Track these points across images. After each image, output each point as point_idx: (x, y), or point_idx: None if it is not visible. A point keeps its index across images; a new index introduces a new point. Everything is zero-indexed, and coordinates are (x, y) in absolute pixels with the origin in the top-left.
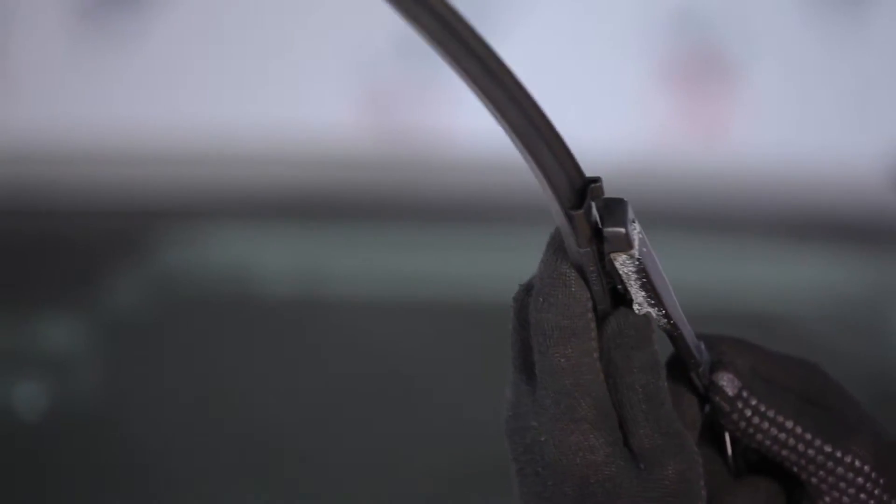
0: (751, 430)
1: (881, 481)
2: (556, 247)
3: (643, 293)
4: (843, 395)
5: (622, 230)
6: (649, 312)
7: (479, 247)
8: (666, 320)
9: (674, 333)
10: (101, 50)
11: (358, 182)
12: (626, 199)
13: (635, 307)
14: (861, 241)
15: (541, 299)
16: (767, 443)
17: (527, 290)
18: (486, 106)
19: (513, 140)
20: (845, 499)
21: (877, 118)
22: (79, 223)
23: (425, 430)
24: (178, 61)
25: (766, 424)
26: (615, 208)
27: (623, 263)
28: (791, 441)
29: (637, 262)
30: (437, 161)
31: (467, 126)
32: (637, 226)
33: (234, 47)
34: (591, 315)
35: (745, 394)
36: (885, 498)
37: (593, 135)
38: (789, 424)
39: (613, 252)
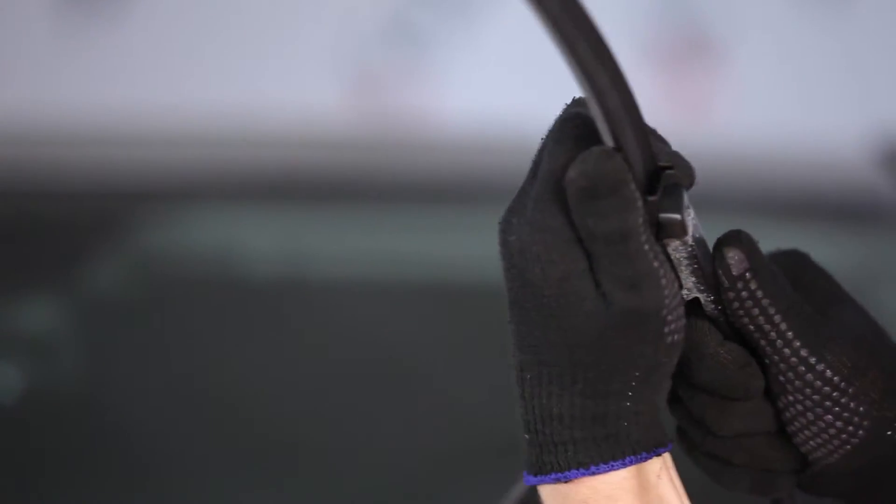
0: (740, 312)
1: (850, 390)
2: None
3: (693, 279)
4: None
5: (678, 217)
6: (697, 298)
7: (464, 228)
8: (714, 306)
9: (721, 319)
10: (83, 30)
11: (342, 163)
12: (682, 186)
13: (684, 292)
14: (845, 221)
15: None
16: (751, 328)
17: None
18: (584, 82)
19: (598, 118)
20: (807, 402)
21: (861, 98)
22: (59, 205)
23: (410, 410)
24: (162, 43)
25: (755, 311)
26: (672, 194)
27: (675, 249)
28: (773, 335)
29: (690, 249)
30: (422, 142)
31: (452, 107)
32: (691, 212)
33: (218, 28)
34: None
35: (748, 275)
36: (851, 405)
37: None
38: (777, 318)
39: (667, 238)
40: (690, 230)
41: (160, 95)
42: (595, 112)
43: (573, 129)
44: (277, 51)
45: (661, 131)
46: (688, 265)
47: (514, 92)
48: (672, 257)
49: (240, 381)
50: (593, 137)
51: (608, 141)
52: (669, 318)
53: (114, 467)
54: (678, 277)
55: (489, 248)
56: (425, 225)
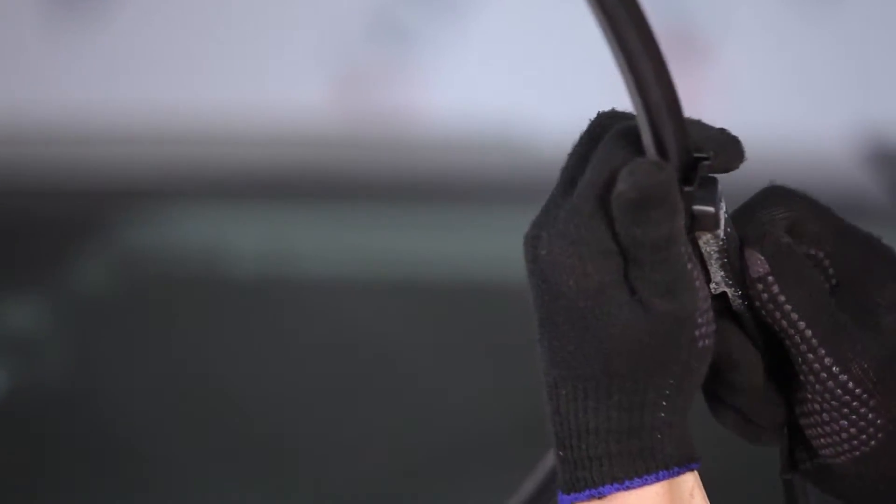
0: (763, 312)
1: (871, 403)
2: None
3: (722, 273)
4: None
5: (712, 209)
6: (726, 292)
7: (450, 226)
8: (741, 301)
9: (747, 315)
10: (69, 30)
11: (328, 161)
12: (717, 178)
13: (712, 286)
14: None
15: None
16: (776, 328)
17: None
18: (628, 74)
19: (640, 111)
20: (825, 405)
21: (850, 95)
22: (45, 203)
23: (396, 408)
24: (147, 42)
25: (778, 315)
26: (706, 187)
27: (706, 242)
28: (797, 339)
29: (721, 242)
30: (407, 141)
31: (438, 106)
32: (724, 205)
33: (204, 27)
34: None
35: (770, 279)
36: (869, 416)
37: (565, 113)
38: (802, 325)
39: (699, 230)
40: (723, 224)
41: (146, 94)
42: (636, 103)
43: (621, 142)
44: (263, 49)
45: None
46: (717, 259)
47: (500, 90)
48: (703, 250)
49: (225, 379)
50: (638, 151)
51: (646, 132)
52: (700, 321)
53: (100, 466)
54: (707, 272)
55: (476, 246)
56: (411, 223)
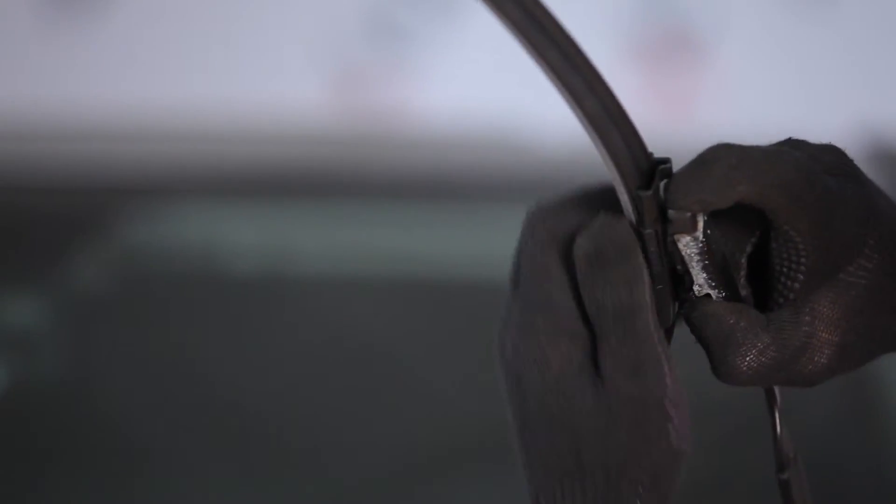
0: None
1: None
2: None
3: (704, 275)
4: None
5: (687, 213)
6: (709, 294)
7: (446, 224)
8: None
9: None
10: (66, 27)
11: (324, 159)
12: None
13: (695, 288)
14: None
15: (549, 206)
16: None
17: (549, 212)
18: (560, 88)
19: (583, 121)
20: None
21: (845, 94)
22: (43, 201)
23: (394, 405)
24: (144, 40)
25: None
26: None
27: (686, 245)
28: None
29: (701, 245)
30: (404, 138)
31: (434, 103)
32: None
33: (201, 25)
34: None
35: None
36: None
37: (562, 111)
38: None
39: (677, 234)
40: (701, 226)
41: (143, 92)
42: (577, 116)
43: (548, 231)
44: (260, 47)
45: (646, 127)
46: (699, 261)
47: (496, 88)
48: (683, 253)
49: (223, 375)
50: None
51: (595, 141)
52: (672, 414)
53: (98, 463)
54: (688, 272)
55: (472, 243)
56: (408, 221)
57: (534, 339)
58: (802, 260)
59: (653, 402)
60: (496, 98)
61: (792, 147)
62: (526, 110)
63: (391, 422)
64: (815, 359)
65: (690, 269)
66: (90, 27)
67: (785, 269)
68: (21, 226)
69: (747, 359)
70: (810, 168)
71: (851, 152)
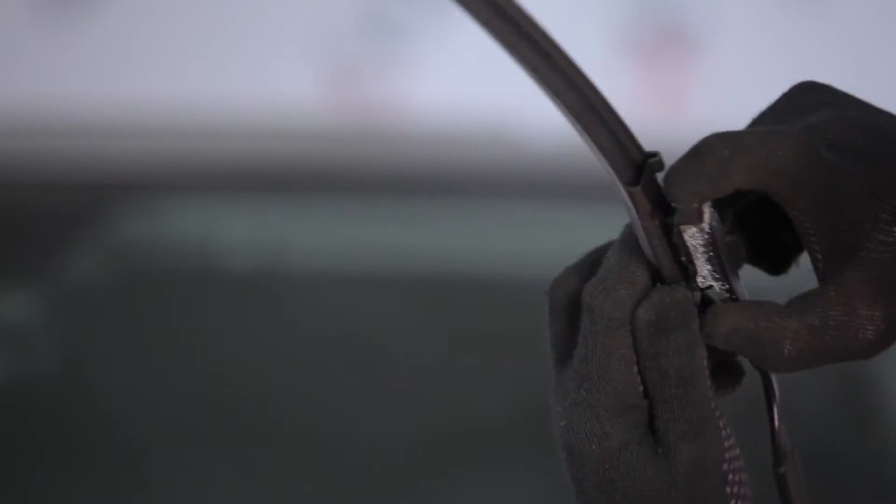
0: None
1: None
2: (630, 241)
3: (709, 267)
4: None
5: (694, 204)
6: (712, 286)
7: (441, 219)
8: (729, 295)
9: None
10: (60, 22)
11: (319, 155)
12: None
13: (699, 279)
14: None
15: (600, 288)
16: None
17: (562, 281)
18: (541, 83)
19: (568, 118)
20: None
21: None
22: (37, 196)
23: (389, 401)
24: (138, 35)
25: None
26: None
27: (692, 236)
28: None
29: (706, 236)
30: (398, 134)
31: (428, 99)
32: None
33: (195, 20)
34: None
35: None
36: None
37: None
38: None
39: (683, 224)
40: (707, 217)
41: (137, 88)
42: (562, 112)
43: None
44: (254, 42)
45: (639, 123)
46: (703, 252)
47: (490, 84)
48: (688, 244)
49: (219, 371)
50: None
51: (584, 137)
52: (731, 476)
53: (93, 459)
54: (692, 264)
55: (466, 239)
56: (403, 217)
57: (593, 411)
58: (814, 240)
59: (710, 464)
60: (491, 93)
61: (799, 107)
62: (520, 105)
63: (388, 418)
64: (861, 335)
65: (695, 261)
66: (85, 23)
67: (808, 250)
68: (16, 221)
69: (784, 350)
70: (810, 147)
71: None
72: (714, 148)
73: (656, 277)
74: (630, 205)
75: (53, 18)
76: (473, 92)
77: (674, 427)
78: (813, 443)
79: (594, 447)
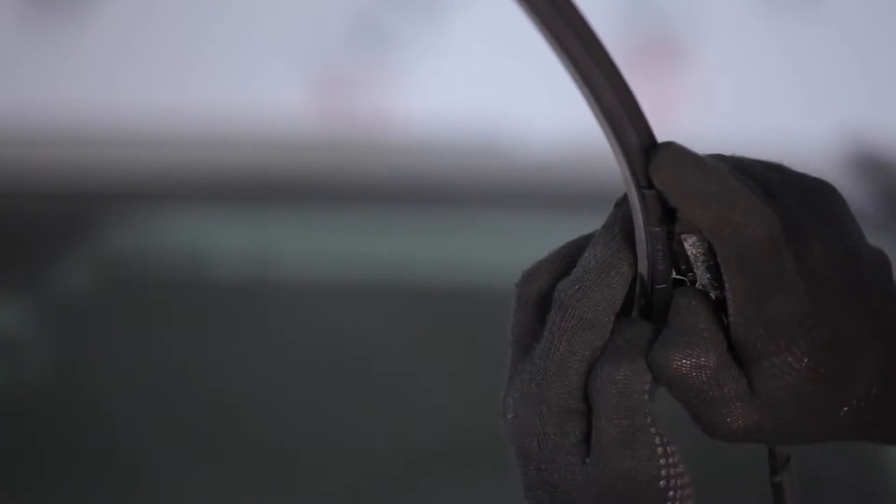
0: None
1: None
2: (613, 244)
3: (708, 275)
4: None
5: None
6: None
7: (429, 229)
8: (727, 302)
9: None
10: (51, 31)
11: (309, 164)
12: None
13: (698, 286)
14: None
15: (577, 287)
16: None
17: (534, 273)
18: (578, 82)
19: (598, 117)
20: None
21: (827, 100)
22: (29, 205)
23: (379, 410)
24: (129, 44)
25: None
26: None
27: (693, 245)
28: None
29: (706, 244)
30: (387, 144)
31: (418, 109)
32: None
33: (185, 30)
34: (614, 316)
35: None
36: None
37: (546, 115)
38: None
39: (685, 233)
40: None
41: (128, 97)
42: (593, 110)
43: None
44: (244, 52)
45: None
46: (704, 261)
47: (479, 93)
48: (689, 253)
49: (209, 380)
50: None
51: (609, 137)
52: (671, 493)
53: (85, 465)
54: (692, 272)
55: (454, 248)
56: (393, 226)
57: (537, 407)
58: (731, 318)
59: (643, 479)
60: (480, 103)
61: (771, 185)
62: (509, 115)
63: (378, 428)
64: (729, 418)
65: (695, 269)
66: (75, 32)
67: (726, 312)
68: (7, 230)
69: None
70: (777, 243)
71: (836, 159)
72: (725, 176)
73: (635, 282)
74: (640, 208)
75: (44, 27)
76: (462, 102)
77: (605, 435)
78: (809, 451)
79: (535, 444)
